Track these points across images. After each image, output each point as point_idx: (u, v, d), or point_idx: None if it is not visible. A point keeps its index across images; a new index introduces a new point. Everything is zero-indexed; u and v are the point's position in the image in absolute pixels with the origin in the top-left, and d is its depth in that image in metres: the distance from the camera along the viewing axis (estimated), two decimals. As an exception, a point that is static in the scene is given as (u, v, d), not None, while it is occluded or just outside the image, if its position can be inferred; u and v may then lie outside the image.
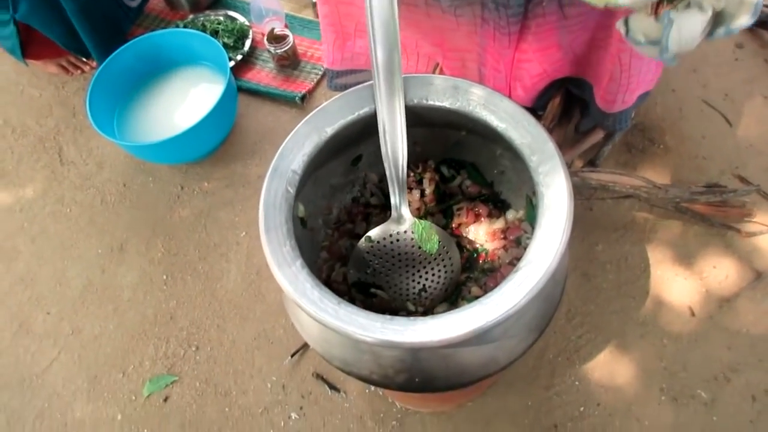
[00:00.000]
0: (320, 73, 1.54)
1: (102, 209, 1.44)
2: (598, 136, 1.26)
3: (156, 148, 1.36)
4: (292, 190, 0.64)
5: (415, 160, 0.83)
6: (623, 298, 1.16)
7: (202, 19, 1.63)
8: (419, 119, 0.70)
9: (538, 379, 1.11)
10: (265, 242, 0.60)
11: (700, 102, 1.37)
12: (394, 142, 0.66)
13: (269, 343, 1.21)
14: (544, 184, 0.60)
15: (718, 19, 0.59)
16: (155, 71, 1.52)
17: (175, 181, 1.45)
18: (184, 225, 1.38)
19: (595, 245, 1.22)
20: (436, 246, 0.72)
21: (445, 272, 0.74)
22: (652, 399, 1.07)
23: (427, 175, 0.83)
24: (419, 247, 0.73)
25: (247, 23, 1.62)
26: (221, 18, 1.63)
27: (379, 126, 0.66)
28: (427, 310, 0.74)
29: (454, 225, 0.80)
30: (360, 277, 0.75)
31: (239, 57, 1.55)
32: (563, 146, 1.26)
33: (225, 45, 1.54)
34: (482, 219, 0.79)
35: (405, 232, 0.72)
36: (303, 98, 1.50)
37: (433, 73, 1.09)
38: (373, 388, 1.13)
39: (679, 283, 1.16)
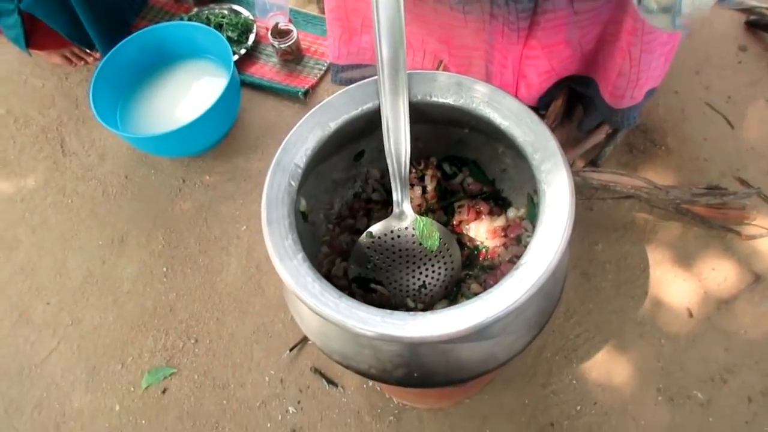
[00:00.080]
0: (323, 68, 1.54)
1: (103, 201, 1.44)
2: (600, 135, 1.26)
3: (158, 141, 1.36)
4: (295, 184, 0.64)
5: (417, 156, 0.83)
6: (622, 298, 1.16)
7: (206, 12, 1.63)
8: (422, 116, 0.71)
9: (536, 377, 1.11)
10: (267, 235, 0.60)
11: (703, 104, 1.37)
12: (397, 139, 0.66)
13: (268, 337, 1.22)
14: (546, 182, 0.60)
15: None
16: (159, 64, 1.52)
17: (177, 174, 1.45)
18: (185, 218, 1.39)
19: (595, 245, 1.22)
20: (436, 243, 0.73)
21: (446, 269, 0.74)
22: (649, 399, 1.07)
23: (429, 172, 0.83)
24: (420, 244, 0.73)
25: (251, 17, 1.62)
26: (226, 12, 1.63)
27: (382, 122, 0.66)
28: (427, 307, 0.75)
29: (455, 222, 0.81)
30: (360, 272, 0.75)
31: (243, 51, 1.55)
32: (565, 146, 1.26)
33: (229, 39, 1.54)
34: (483, 216, 0.80)
35: (406, 228, 0.72)
36: (306, 93, 1.50)
37: (437, 69, 1.10)
38: (370, 383, 1.14)
39: (678, 284, 1.17)
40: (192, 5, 1.68)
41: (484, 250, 0.78)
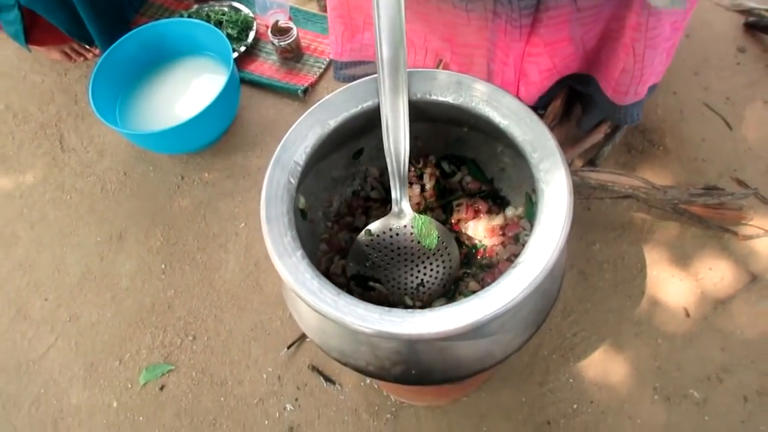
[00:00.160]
0: (323, 66, 1.54)
1: (102, 197, 1.44)
2: (599, 135, 1.26)
3: (158, 138, 1.36)
4: (294, 181, 0.64)
5: (416, 155, 0.84)
6: (619, 298, 1.17)
7: (206, 9, 1.63)
8: (422, 114, 0.71)
9: (533, 375, 1.12)
10: (266, 232, 0.60)
11: (701, 105, 1.37)
12: (397, 137, 0.66)
13: (266, 335, 1.22)
14: (545, 180, 0.60)
15: None
16: (158, 60, 1.52)
17: (176, 171, 1.45)
18: (183, 215, 1.39)
19: (593, 244, 1.22)
20: (435, 241, 0.73)
21: (444, 267, 0.74)
22: (645, 398, 1.08)
23: (428, 171, 0.83)
24: (418, 242, 0.73)
25: (251, 15, 1.62)
26: (226, 9, 1.63)
27: (382, 121, 0.66)
28: (425, 305, 0.75)
29: (453, 220, 0.81)
30: (359, 270, 0.75)
31: (243, 48, 1.55)
32: (564, 145, 1.26)
33: (229, 36, 1.54)
34: (481, 215, 0.80)
35: (405, 226, 0.73)
36: (305, 91, 1.50)
37: (437, 68, 1.10)
38: (368, 381, 1.14)
39: (675, 284, 1.17)
40: (192, 2, 1.68)
41: (482, 248, 0.78)
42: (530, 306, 0.66)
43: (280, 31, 1.49)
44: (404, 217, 0.72)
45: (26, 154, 1.54)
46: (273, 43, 1.51)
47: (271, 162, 0.65)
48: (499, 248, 0.77)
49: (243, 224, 1.36)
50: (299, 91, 1.49)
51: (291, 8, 1.63)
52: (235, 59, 1.50)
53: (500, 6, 0.89)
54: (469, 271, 0.77)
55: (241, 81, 1.51)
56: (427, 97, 0.68)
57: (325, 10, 1.63)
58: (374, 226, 0.73)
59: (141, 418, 1.17)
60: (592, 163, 1.29)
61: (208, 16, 1.61)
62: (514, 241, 0.78)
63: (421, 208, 0.81)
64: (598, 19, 0.94)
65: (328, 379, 1.15)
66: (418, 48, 1.09)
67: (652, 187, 1.16)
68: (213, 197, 1.40)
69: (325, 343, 0.69)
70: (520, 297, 0.54)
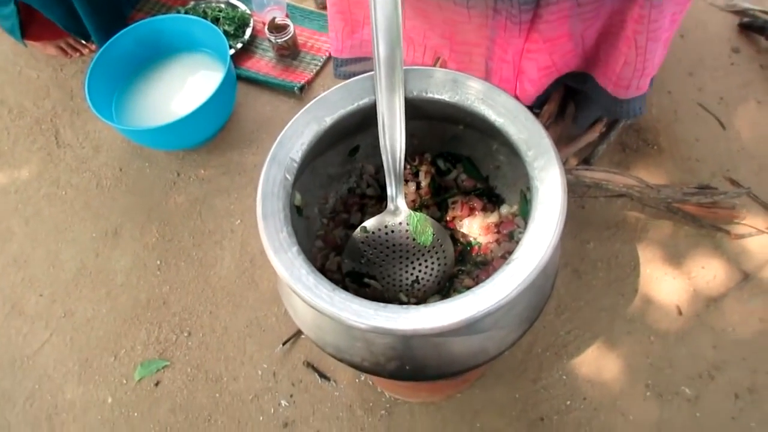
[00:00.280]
0: (320, 64, 1.54)
1: (97, 193, 1.44)
2: (594, 134, 1.27)
3: (154, 134, 1.36)
4: (290, 178, 0.64)
5: (412, 152, 0.84)
6: (612, 296, 1.18)
7: (203, 5, 1.63)
8: (418, 112, 0.71)
9: (526, 372, 1.12)
10: (262, 228, 0.61)
11: (695, 105, 1.38)
12: (393, 135, 0.66)
13: (261, 331, 1.22)
14: (539, 178, 0.61)
15: None
16: (155, 56, 1.52)
17: (172, 167, 1.45)
18: (179, 211, 1.39)
19: (587, 243, 1.23)
20: (430, 238, 0.73)
21: (439, 264, 0.75)
22: (638, 394, 1.09)
23: (424, 168, 0.84)
24: (413, 239, 0.74)
25: (248, 11, 1.61)
26: (222, 5, 1.63)
27: (378, 118, 0.66)
28: (420, 302, 0.75)
29: (448, 218, 0.81)
30: (354, 266, 0.76)
31: (239, 45, 1.55)
32: (559, 144, 1.26)
33: (225, 33, 1.53)
34: (476, 213, 0.80)
35: (400, 223, 0.73)
36: (302, 89, 1.50)
37: (434, 66, 1.10)
38: (363, 377, 1.14)
39: (668, 282, 1.18)
40: (188, -2, 1.68)
41: (476, 246, 0.79)
42: (524, 303, 0.66)
43: (276, 28, 1.49)
44: (400, 215, 0.73)
45: (21, 149, 1.53)
46: (270, 40, 1.51)
47: (268, 158, 0.65)
48: (493, 246, 0.78)
49: (239, 221, 1.36)
50: (296, 88, 1.49)
51: (288, 5, 1.63)
52: (232, 56, 1.50)
53: (501, 3, 0.89)
54: (463, 269, 0.78)
55: (238, 78, 1.51)
56: (423, 94, 0.68)
57: (322, 8, 1.63)
58: (370, 223, 0.74)
59: (136, 414, 1.17)
60: (586, 161, 1.30)
61: (204, 12, 1.60)
62: (509, 238, 0.78)
63: (416, 206, 0.82)
64: (598, 15, 0.94)
65: (322, 376, 1.16)
66: (417, 45, 1.09)
67: (646, 185, 1.17)
68: (209, 194, 1.40)
69: (320, 339, 0.69)
70: (514, 293, 0.55)
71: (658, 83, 1.34)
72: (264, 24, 1.53)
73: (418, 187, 0.83)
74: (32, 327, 1.28)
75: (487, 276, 0.65)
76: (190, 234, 1.35)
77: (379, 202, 0.84)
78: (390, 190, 0.71)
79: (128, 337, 1.24)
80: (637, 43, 0.95)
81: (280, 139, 0.66)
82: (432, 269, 0.75)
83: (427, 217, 0.73)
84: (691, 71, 1.43)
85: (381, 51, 0.62)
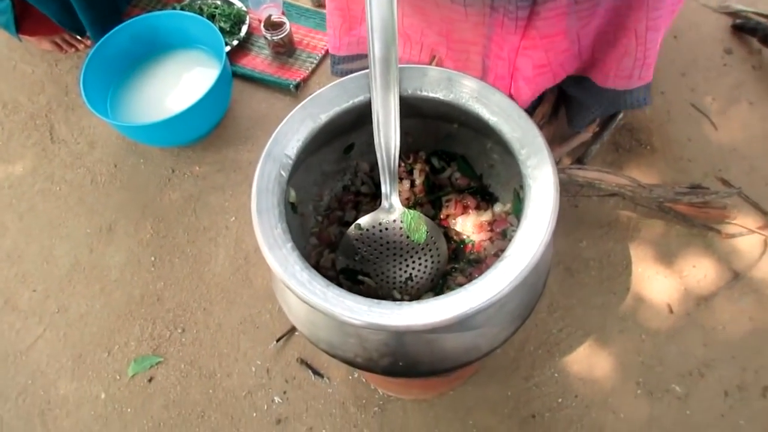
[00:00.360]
0: (316, 61, 1.55)
1: (92, 189, 1.44)
2: (587, 134, 1.28)
3: (149, 130, 1.36)
4: (285, 175, 0.65)
5: (406, 150, 0.84)
6: (604, 294, 1.19)
7: (199, 2, 1.63)
8: (412, 110, 0.71)
9: (519, 370, 1.13)
10: (257, 224, 0.61)
11: (688, 105, 1.39)
12: (387, 133, 0.67)
13: (255, 328, 1.22)
14: (532, 176, 0.61)
15: None
16: (151, 53, 1.52)
17: (167, 163, 1.45)
18: (173, 208, 1.39)
19: (580, 241, 1.24)
20: (424, 236, 0.74)
21: (432, 262, 0.75)
22: (629, 392, 1.10)
23: (418, 166, 0.84)
24: (407, 237, 0.74)
25: (244, 9, 1.61)
26: (219, 2, 1.63)
27: (373, 116, 0.67)
28: (413, 299, 0.76)
29: (442, 216, 0.82)
30: (348, 263, 0.76)
31: (235, 42, 1.55)
32: (552, 143, 1.27)
33: (221, 30, 1.53)
34: (470, 211, 0.81)
35: (394, 221, 0.73)
36: (297, 86, 1.50)
37: (430, 64, 1.10)
38: (356, 374, 1.15)
39: (660, 281, 1.19)
40: (184, -5, 1.67)
41: (470, 243, 0.79)
42: (516, 300, 0.67)
43: (272, 26, 1.49)
44: (394, 212, 0.73)
45: (15, 144, 1.53)
46: (266, 38, 1.51)
47: (263, 154, 0.65)
48: (486, 244, 0.78)
49: (233, 218, 1.36)
50: (291, 86, 1.49)
51: (284, 3, 1.63)
52: (228, 53, 1.50)
53: (498, 0, 0.90)
54: (457, 266, 0.78)
55: (233, 75, 1.51)
56: (418, 93, 0.69)
57: (318, 6, 1.63)
58: (364, 221, 0.74)
59: (129, 410, 1.17)
60: (580, 161, 1.31)
61: (200, 9, 1.60)
62: (502, 236, 0.79)
63: (410, 204, 0.82)
64: (594, 13, 0.94)
65: (316, 373, 1.16)
66: (414, 43, 1.09)
67: (639, 185, 1.18)
68: (203, 191, 1.40)
69: (313, 335, 0.70)
70: (506, 290, 0.55)
71: (651, 84, 1.35)
72: (260, 21, 1.53)
73: (413, 185, 0.83)
74: (25, 322, 1.28)
75: (480, 273, 0.66)
76: (184, 230, 1.35)
77: (373, 199, 0.84)
78: (384, 188, 0.71)
79: (122, 333, 1.25)
80: (637, 33, 0.95)
81: (275, 135, 0.66)
82: (425, 267, 0.75)
83: (421, 214, 0.74)
84: (684, 72, 1.44)
85: (376, 49, 0.63)
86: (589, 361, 1.13)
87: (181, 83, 1.49)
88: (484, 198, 0.83)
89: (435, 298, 0.57)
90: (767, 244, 1.21)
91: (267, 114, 1.50)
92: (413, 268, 0.76)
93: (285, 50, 1.54)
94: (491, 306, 0.55)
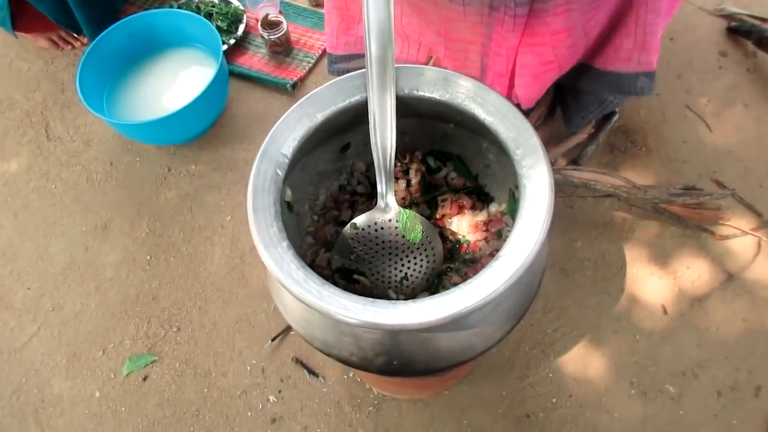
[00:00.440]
0: (312, 61, 1.55)
1: (87, 187, 1.43)
2: (583, 135, 1.28)
3: (145, 128, 1.36)
4: (281, 173, 0.65)
5: (402, 150, 0.84)
6: (599, 294, 1.19)
7: (196, 0, 1.63)
8: (408, 110, 0.72)
9: (513, 370, 1.14)
10: (253, 222, 0.61)
11: (683, 107, 1.40)
12: (384, 133, 0.67)
13: (250, 327, 1.22)
14: (527, 176, 0.61)
15: None
16: (147, 51, 1.51)
17: (163, 162, 1.45)
18: (169, 206, 1.38)
19: (575, 242, 1.24)
20: (419, 236, 0.74)
21: (427, 262, 0.75)
22: (623, 392, 1.10)
23: (414, 166, 0.84)
24: (403, 236, 0.74)
25: (241, 8, 1.61)
26: (216, 1, 1.63)
27: (369, 116, 0.67)
28: (409, 299, 0.76)
29: (437, 216, 0.82)
30: (344, 263, 0.76)
31: (232, 41, 1.55)
32: (548, 144, 1.27)
33: (218, 28, 1.53)
34: (465, 211, 0.81)
35: (390, 220, 0.74)
36: (294, 86, 1.50)
37: (427, 64, 1.10)
38: (351, 374, 1.15)
39: (654, 282, 1.20)
40: (181, -7, 1.67)
41: (465, 243, 0.80)
42: (510, 299, 0.67)
43: (270, 25, 1.49)
44: (389, 212, 0.73)
45: (11, 142, 1.52)
46: (263, 37, 1.51)
47: (259, 153, 0.65)
48: (482, 243, 0.79)
49: (229, 217, 1.36)
50: (288, 85, 1.49)
51: (281, 2, 1.63)
52: (225, 52, 1.50)
53: (497, 0, 0.90)
54: (452, 266, 0.79)
55: (230, 74, 1.51)
56: (415, 92, 0.69)
57: (315, 5, 1.63)
58: (360, 220, 0.74)
59: (123, 409, 1.17)
60: (575, 162, 1.31)
61: (198, 7, 1.60)
62: (497, 236, 0.79)
63: (406, 203, 0.82)
64: (601, 6, 0.94)
65: (311, 372, 1.16)
66: (412, 42, 1.09)
67: (634, 186, 1.18)
68: (199, 189, 1.40)
69: (309, 334, 0.70)
70: (501, 290, 0.55)
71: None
72: (257, 20, 1.53)
73: (408, 184, 0.83)
74: (20, 320, 1.28)
75: (476, 273, 0.66)
76: (180, 229, 1.35)
77: (369, 199, 0.84)
78: (380, 188, 0.71)
79: (117, 332, 1.24)
80: (637, 14, 0.95)
81: (272, 134, 0.66)
82: (421, 266, 0.75)
83: (417, 214, 0.74)
84: (679, 74, 1.44)
85: (373, 49, 0.63)
86: (583, 361, 1.13)
87: (177, 82, 1.48)
88: (480, 198, 0.83)
89: (430, 297, 0.57)
90: (761, 246, 1.21)
91: (264, 113, 1.50)
92: (409, 268, 0.76)
93: (282, 49, 1.54)
94: (486, 305, 0.55)
